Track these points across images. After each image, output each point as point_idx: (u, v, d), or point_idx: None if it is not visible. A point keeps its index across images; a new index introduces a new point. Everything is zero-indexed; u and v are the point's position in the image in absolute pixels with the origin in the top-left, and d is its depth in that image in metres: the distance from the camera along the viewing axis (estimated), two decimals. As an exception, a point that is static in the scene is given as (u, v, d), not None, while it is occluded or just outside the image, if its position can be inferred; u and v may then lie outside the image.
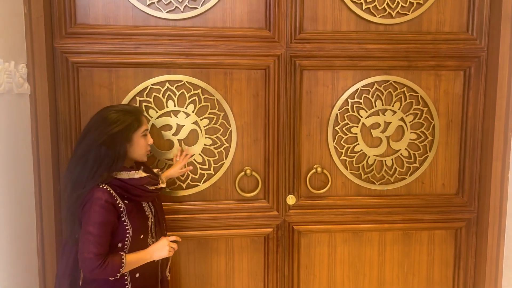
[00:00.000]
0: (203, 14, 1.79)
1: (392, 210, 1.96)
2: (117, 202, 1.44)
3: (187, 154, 1.81)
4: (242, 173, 1.88)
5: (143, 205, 1.55)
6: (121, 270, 1.40)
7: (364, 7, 1.85)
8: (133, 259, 1.45)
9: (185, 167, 1.80)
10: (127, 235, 1.46)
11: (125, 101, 1.78)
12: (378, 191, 1.96)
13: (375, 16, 1.86)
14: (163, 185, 1.61)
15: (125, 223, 1.46)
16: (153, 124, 1.82)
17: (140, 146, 1.52)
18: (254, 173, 1.89)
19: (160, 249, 1.50)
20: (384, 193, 1.97)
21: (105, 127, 1.44)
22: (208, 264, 1.93)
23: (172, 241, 1.53)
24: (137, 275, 1.50)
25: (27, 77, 1.62)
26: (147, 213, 1.55)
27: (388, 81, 1.90)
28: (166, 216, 1.70)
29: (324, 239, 1.97)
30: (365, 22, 1.87)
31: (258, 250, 1.94)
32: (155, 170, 1.68)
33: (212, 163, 1.88)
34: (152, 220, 1.58)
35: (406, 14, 1.87)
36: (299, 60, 1.84)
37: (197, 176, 1.88)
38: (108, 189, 1.43)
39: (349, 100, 1.90)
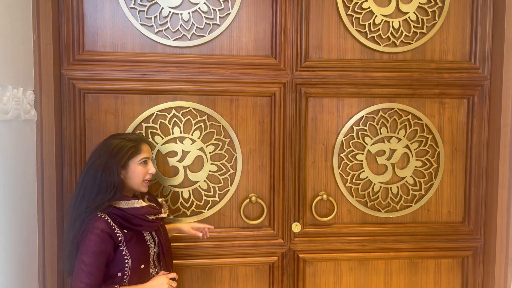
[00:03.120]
0: (210, 42, 1.81)
1: (398, 238, 1.94)
2: (115, 231, 1.42)
3: (207, 230, 1.72)
4: (247, 200, 1.87)
5: (145, 235, 1.52)
6: None
7: (368, 36, 1.88)
8: None
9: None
10: (126, 264, 1.44)
11: (131, 127, 1.78)
12: (383, 219, 1.95)
13: (379, 44, 1.88)
14: (164, 215, 1.57)
15: (123, 253, 1.44)
16: (158, 150, 1.81)
17: (136, 174, 1.49)
18: (259, 200, 1.87)
19: (158, 286, 1.44)
20: (390, 221, 1.95)
21: (104, 153, 1.45)
22: (211, 294, 1.89)
23: (171, 278, 1.47)
24: None
25: (34, 103, 1.62)
26: (148, 243, 1.52)
27: (393, 108, 1.91)
28: (170, 244, 1.67)
29: (330, 267, 1.94)
30: (369, 51, 1.89)
31: (263, 279, 1.91)
32: (159, 200, 1.65)
33: (217, 189, 1.87)
34: (155, 250, 1.55)
35: (410, 43, 1.90)
36: (304, 87, 1.86)
37: (201, 203, 1.86)
38: (106, 218, 1.41)
39: (354, 127, 1.91)
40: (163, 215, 1.56)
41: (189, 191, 1.85)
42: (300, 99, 1.86)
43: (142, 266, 1.48)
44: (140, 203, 1.48)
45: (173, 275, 1.49)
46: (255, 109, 1.85)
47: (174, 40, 1.78)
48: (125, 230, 1.45)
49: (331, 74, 1.86)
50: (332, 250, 1.93)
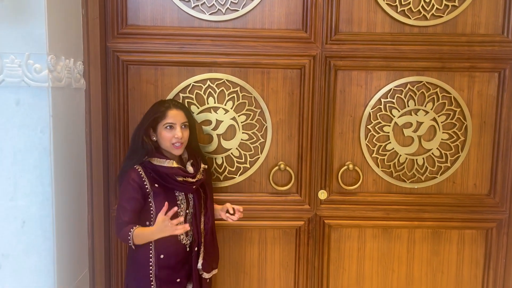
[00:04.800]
0: (244, 16, 1.89)
1: (422, 208, 2.00)
2: (144, 183, 1.60)
3: (240, 212, 1.75)
4: (276, 167, 1.98)
5: (176, 194, 1.65)
6: (130, 238, 1.55)
7: (399, 9, 1.90)
8: (139, 233, 1.55)
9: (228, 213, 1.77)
10: (151, 216, 1.62)
11: (169, 97, 1.91)
12: (408, 189, 2.01)
13: (409, 18, 1.91)
14: (193, 180, 1.64)
15: (150, 204, 1.62)
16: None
17: (162, 137, 1.63)
18: (287, 168, 1.98)
19: (160, 230, 1.51)
20: (415, 191, 2.01)
21: (143, 116, 1.66)
22: (242, 253, 2.03)
23: (177, 224, 1.48)
24: (162, 256, 1.63)
25: (83, 73, 1.78)
26: (178, 202, 1.65)
27: (421, 81, 1.94)
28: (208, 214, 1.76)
29: (354, 234, 2.03)
30: (399, 24, 1.92)
31: (290, 242, 2.03)
32: (203, 166, 1.73)
33: (248, 157, 1.98)
34: (187, 211, 1.67)
35: (441, 16, 1.91)
36: (334, 60, 1.92)
37: (233, 169, 1.99)
38: (139, 170, 1.61)
39: (382, 100, 1.96)
40: (191, 179, 1.64)
41: (222, 157, 1.97)
42: (329, 72, 1.93)
43: (181, 218, 1.53)
44: (170, 163, 1.62)
45: (172, 211, 1.50)
46: (285, 81, 1.94)
47: (209, 14, 1.88)
48: (156, 185, 1.61)
49: (360, 48, 1.91)
50: (357, 217, 2.01)
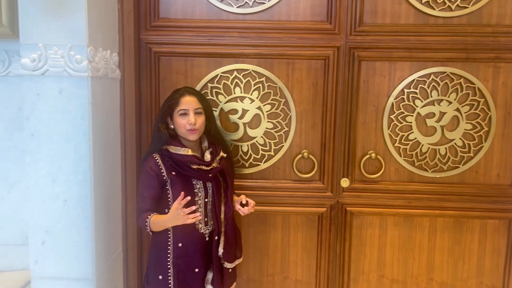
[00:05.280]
0: (270, 9, 1.96)
1: (444, 197, 2.03)
2: (161, 171, 1.65)
3: (252, 207, 1.75)
4: (300, 155, 2.04)
5: (194, 183, 1.68)
6: (147, 225, 1.62)
7: (423, 0, 1.93)
8: (155, 220, 1.61)
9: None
10: (169, 203, 1.66)
11: (198, 87, 2.00)
12: (430, 178, 2.04)
13: (434, 9, 1.93)
14: (207, 168, 1.66)
15: (167, 192, 1.66)
16: (221, 108, 2.02)
17: (177, 124, 1.67)
18: (310, 156, 2.04)
19: (173, 218, 1.55)
20: (437, 181, 2.04)
21: (162, 105, 1.75)
22: (266, 237, 2.11)
23: (190, 213, 1.52)
24: (180, 244, 1.67)
25: (118, 64, 1.89)
26: (196, 191, 1.67)
27: (445, 72, 1.96)
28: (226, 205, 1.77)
29: (376, 221, 2.08)
30: (424, 15, 1.94)
31: (312, 228, 2.10)
32: (221, 154, 1.75)
33: (272, 145, 2.06)
34: (205, 200, 1.70)
35: (466, 7, 1.92)
36: (357, 51, 1.96)
37: (258, 157, 2.07)
38: (156, 158, 1.66)
39: (405, 90, 1.99)
40: (205, 167, 1.66)
41: (247, 145, 2.06)
42: (353, 63, 1.97)
43: (194, 207, 1.54)
44: (185, 151, 1.66)
45: (185, 200, 1.52)
46: (310, 71, 2.00)
47: (237, 7, 1.96)
48: (173, 173, 1.65)
49: (384, 39, 1.95)
50: (379, 205, 2.06)
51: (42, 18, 1.57)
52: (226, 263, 1.74)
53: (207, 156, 1.71)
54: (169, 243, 1.68)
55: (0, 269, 2.01)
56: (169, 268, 1.67)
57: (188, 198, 1.53)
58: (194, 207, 1.52)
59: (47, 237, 1.69)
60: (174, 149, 1.67)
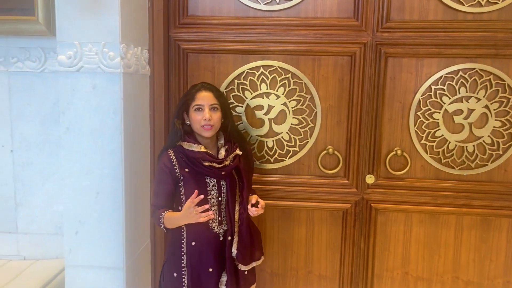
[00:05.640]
0: (297, 5, 1.97)
1: (471, 195, 2.01)
2: (174, 167, 1.63)
3: (261, 208, 1.69)
4: (325, 151, 2.06)
5: (207, 180, 1.65)
6: (160, 222, 1.61)
7: (452, -4, 1.91)
8: (169, 217, 1.59)
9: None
10: (181, 201, 1.65)
11: (225, 83, 2.04)
12: (457, 176, 2.02)
13: (463, 5, 1.91)
14: (218, 166, 1.63)
15: (180, 189, 1.66)
16: (247, 104, 2.05)
17: (192, 120, 1.65)
18: (336, 152, 2.05)
19: (185, 216, 1.53)
20: (464, 178, 2.02)
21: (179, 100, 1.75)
22: (290, 232, 2.14)
23: (202, 212, 1.50)
24: (193, 243, 1.66)
25: (148, 61, 1.95)
26: (208, 189, 1.65)
27: (474, 68, 1.94)
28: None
29: (401, 218, 2.08)
30: (452, 11, 1.92)
31: (336, 223, 2.11)
32: (236, 152, 1.70)
33: (297, 141, 2.08)
34: (219, 198, 1.66)
35: (496, 3, 1.89)
36: (384, 47, 1.96)
37: (283, 152, 2.09)
38: (170, 155, 1.65)
39: (433, 87, 1.97)
40: (216, 165, 1.63)
41: (273, 141, 2.08)
42: (380, 59, 1.97)
43: (196, 206, 1.51)
44: (197, 148, 1.64)
45: (198, 198, 1.50)
46: (336, 68, 2.00)
47: (264, 4, 1.98)
48: (186, 170, 1.63)
49: (412, 35, 1.94)
50: (404, 202, 2.05)
51: (77, 16, 1.64)
52: (240, 265, 1.69)
53: (222, 153, 1.68)
54: (182, 241, 1.68)
55: (35, 257, 2.11)
56: (183, 266, 1.67)
57: (201, 196, 1.50)
58: (207, 206, 1.50)
59: (81, 227, 1.76)
60: (187, 146, 1.65)
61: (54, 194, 2.06)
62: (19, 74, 1.99)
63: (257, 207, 1.67)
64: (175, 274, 1.69)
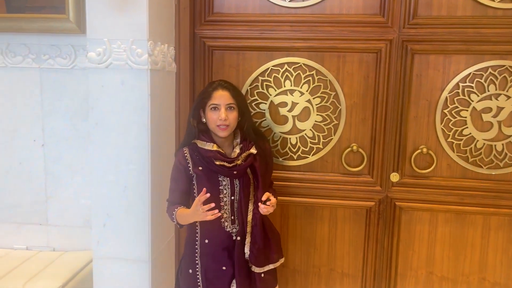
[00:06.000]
0: (322, 2, 1.97)
1: (499, 195, 1.97)
2: (188, 165, 1.64)
3: (270, 206, 1.60)
4: (349, 149, 2.05)
5: (220, 179, 1.64)
6: (174, 218, 1.63)
7: (482, -9, 1.87)
8: (181, 214, 1.60)
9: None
10: (194, 198, 1.62)
11: (249, 80, 2.05)
12: (485, 175, 1.98)
13: (493, 0, 1.86)
14: (229, 165, 1.61)
15: (193, 187, 1.67)
16: (271, 101, 2.06)
17: (208, 119, 1.64)
18: (360, 150, 2.04)
19: (194, 214, 1.53)
20: (492, 178, 1.98)
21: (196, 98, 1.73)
22: (312, 229, 2.14)
23: (209, 210, 1.48)
24: (206, 241, 1.66)
25: (174, 58, 1.98)
26: (221, 187, 1.64)
27: (504, 65, 1.89)
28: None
29: (426, 217, 2.05)
30: (482, 7, 1.88)
31: (360, 221, 2.10)
32: (251, 151, 1.67)
33: (321, 138, 2.07)
34: (232, 197, 1.65)
35: (529, -2, 1.84)
36: (411, 44, 1.93)
37: (307, 149, 2.09)
38: (185, 152, 1.65)
39: (460, 84, 1.94)
40: (226, 164, 1.61)
41: (296, 138, 2.08)
42: (406, 56, 1.95)
43: (212, 204, 1.49)
44: (209, 146, 1.63)
45: (204, 196, 1.48)
46: (361, 65, 1.99)
47: (289, 1, 1.98)
48: (200, 168, 1.63)
49: (439, 31, 1.91)
50: (429, 201, 2.03)
51: (107, 14, 1.68)
52: (254, 266, 1.66)
53: (235, 152, 1.65)
54: (196, 238, 1.69)
55: (64, 249, 2.17)
56: (197, 263, 1.68)
57: (207, 195, 1.47)
58: (213, 204, 1.47)
59: (108, 220, 1.81)
60: (201, 144, 1.65)
61: (82, 188, 2.12)
62: (51, 70, 2.06)
63: (266, 205, 1.58)
64: (190, 271, 1.70)
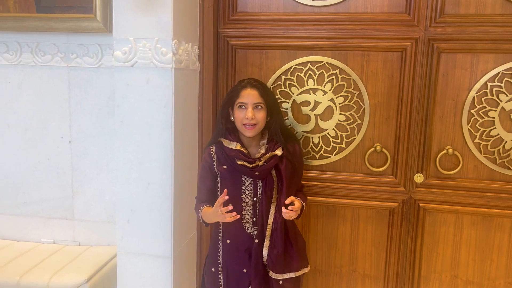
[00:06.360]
0: (346, 1, 1.95)
1: (528, 198, 1.92)
2: (213, 163, 1.65)
3: (292, 211, 1.56)
4: (372, 149, 2.02)
5: (243, 179, 1.62)
6: (199, 216, 1.66)
7: (512, -12, 1.82)
8: (205, 212, 1.62)
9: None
10: (219, 196, 1.60)
11: (272, 79, 2.05)
12: (513, 177, 1.93)
13: (524, -3, 1.81)
14: (249, 165, 1.59)
15: (217, 185, 1.68)
16: (294, 100, 2.06)
17: (235, 117, 1.63)
18: (383, 150, 2.01)
19: (214, 214, 1.53)
20: (521, 180, 1.93)
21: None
22: (334, 229, 2.12)
23: (228, 212, 1.47)
24: (228, 241, 1.66)
25: (198, 56, 2.00)
26: (243, 188, 1.62)
27: (535, 64, 1.84)
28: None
29: (451, 219, 2.01)
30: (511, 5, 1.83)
31: (383, 222, 2.07)
32: (275, 152, 1.63)
33: (344, 137, 2.06)
34: (254, 198, 1.63)
35: (562, -5, 1.78)
36: (437, 43, 1.90)
37: (329, 149, 2.08)
38: (211, 150, 1.67)
39: (489, 84, 1.89)
40: (247, 164, 1.59)
41: (318, 137, 2.07)
42: (432, 55, 1.91)
43: (229, 205, 1.49)
44: (233, 146, 1.62)
45: (223, 198, 1.48)
46: (386, 64, 1.97)
47: (313, 0, 1.97)
48: (224, 166, 1.63)
49: (467, 30, 1.86)
50: (454, 202, 1.99)
51: (133, 13, 1.71)
52: (271, 272, 1.62)
53: (259, 153, 1.63)
54: (219, 237, 1.70)
55: (89, 243, 2.22)
56: (220, 263, 1.69)
57: (226, 197, 1.47)
58: (231, 207, 1.46)
59: (132, 215, 1.84)
60: (226, 142, 1.65)
61: (107, 184, 2.17)
62: (78, 69, 2.11)
63: (288, 209, 1.55)
64: (213, 269, 1.72)
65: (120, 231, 1.86)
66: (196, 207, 1.70)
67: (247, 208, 1.64)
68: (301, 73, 2.04)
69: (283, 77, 2.05)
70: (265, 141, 1.68)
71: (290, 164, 1.66)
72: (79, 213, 2.23)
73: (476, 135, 1.94)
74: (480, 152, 1.94)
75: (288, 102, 2.06)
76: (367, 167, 2.05)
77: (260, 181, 1.62)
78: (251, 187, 1.62)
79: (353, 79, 2.00)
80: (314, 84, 2.04)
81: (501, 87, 1.88)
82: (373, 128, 2.02)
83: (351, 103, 2.02)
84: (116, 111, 1.79)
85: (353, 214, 2.10)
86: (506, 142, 1.91)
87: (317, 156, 2.09)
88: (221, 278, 1.69)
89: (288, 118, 2.06)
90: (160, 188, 1.80)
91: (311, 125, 2.07)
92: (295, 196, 1.66)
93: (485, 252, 2.00)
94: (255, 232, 1.64)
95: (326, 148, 2.08)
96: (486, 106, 1.91)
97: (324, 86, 2.03)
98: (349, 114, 2.03)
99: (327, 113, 2.05)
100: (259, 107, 1.62)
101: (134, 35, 1.72)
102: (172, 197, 1.80)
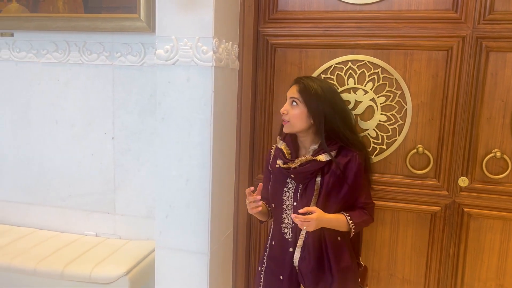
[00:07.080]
0: (389, -2, 1.91)
1: None
2: (269, 161, 1.70)
3: (304, 220, 1.45)
4: (414, 150, 1.96)
5: (287, 180, 1.59)
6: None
7: None
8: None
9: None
10: (269, 194, 1.66)
11: (311, 78, 2.03)
12: None
13: None
14: (283, 166, 1.57)
15: (269, 183, 1.69)
16: (333, 99, 2.03)
17: None
18: (426, 152, 1.95)
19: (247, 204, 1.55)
20: None
21: None
22: (373, 232, 2.08)
23: (252, 202, 1.49)
24: (273, 243, 1.67)
25: (238, 55, 2.01)
26: (285, 189, 1.59)
27: None
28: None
29: (497, 225, 1.92)
30: None
31: (424, 226, 2.00)
32: (319, 156, 1.54)
33: (385, 138, 2.01)
34: (293, 203, 1.57)
35: None
36: (486, 41, 1.82)
37: (369, 150, 2.03)
38: (272, 148, 1.72)
39: (542, 84, 1.79)
40: (281, 165, 1.57)
41: (358, 137, 2.03)
42: (480, 54, 1.83)
43: (273, 205, 1.55)
44: (279, 144, 1.64)
45: (249, 189, 1.52)
46: (430, 63, 1.90)
47: (355, -2, 1.95)
48: (277, 165, 1.61)
49: (519, 27, 1.78)
50: (502, 208, 1.89)
51: (175, 13, 1.74)
52: (301, 285, 1.57)
53: (302, 158, 1.55)
54: (269, 237, 1.71)
55: (129, 237, 2.29)
56: (264, 263, 1.70)
57: (252, 188, 1.51)
58: (258, 197, 1.47)
59: (171, 211, 1.87)
60: (278, 141, 1.69)
61: (147, 180, 2.22)
62: (122, 67, 2.18)
63: (299, 215, 1.43)
64: (259, 268, 1.74)
65: (159, 226, 1.90)
66: None
67: (287, 211, 1.60)
68: (341, 72, 2.01)
69: (322, 76, 2.03)
70: (315, 146, 1.59)
71: (333, 176, 1.54)
72: (120, 208, 2.29)
73: (527, 138, 1.84)
74: (531, 156, 1.85)
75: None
76: (408, 169, 1.99)
77: (301, 185, 1.57)
78: (293, 190, 1.58)
79: (395, 78, 1.95)
80: (354, 83, 2.00)
81: (555, 87, 1.78)
82: (415, 129, 1.96)
83: (392, 103, 1.97)
84: (157, 108, 1.83)
85: (393, 217, 2.04)
86: (560, 146, 1.81)
87: (356, 157, 2.05)
88: (262, 279, 1.70)
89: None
90: (198, 185, 1.82)
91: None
92: (349, 212, 1.58)
93: (534, 261, 1.90)
94: (290, 240, 1.60)
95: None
96: (539, 107, 1.81)
97: (365, 86, 1.99)
98: (390, 114, 1.98)
99: (368, 113, 2.01)
100: (295, 103, 1.56)
101: (176, 33, 1.75)
102: (210, 194, 1.82)
